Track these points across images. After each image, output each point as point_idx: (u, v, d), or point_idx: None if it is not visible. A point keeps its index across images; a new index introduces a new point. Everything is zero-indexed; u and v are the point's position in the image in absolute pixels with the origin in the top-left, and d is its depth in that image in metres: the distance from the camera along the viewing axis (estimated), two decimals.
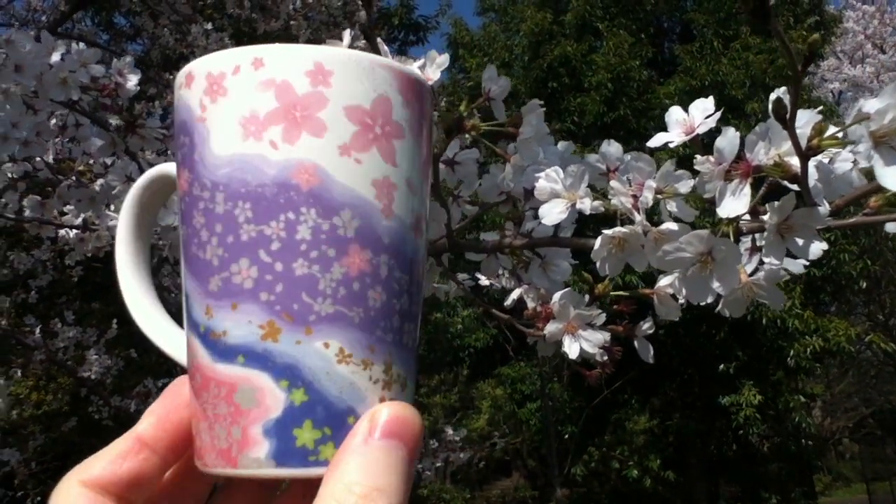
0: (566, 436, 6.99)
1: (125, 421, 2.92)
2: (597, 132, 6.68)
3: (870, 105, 0.38)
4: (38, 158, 1.32)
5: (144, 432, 0.29)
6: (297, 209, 0.28)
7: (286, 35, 2.95)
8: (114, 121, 1.02)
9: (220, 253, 0.28)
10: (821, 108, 0.48)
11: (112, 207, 1.14)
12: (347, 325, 0.28)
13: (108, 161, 1.14)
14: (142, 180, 0.35)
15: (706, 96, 0.53)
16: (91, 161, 1.22)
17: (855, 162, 0.51)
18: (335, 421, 0.27)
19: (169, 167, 0.34)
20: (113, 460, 0.28)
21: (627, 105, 6.83)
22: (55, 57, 0.88)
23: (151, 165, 1.06)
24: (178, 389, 0.31)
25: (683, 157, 0.52)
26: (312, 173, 0.28)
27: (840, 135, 0.44)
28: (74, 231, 1.37)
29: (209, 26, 2.85)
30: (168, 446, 0.30)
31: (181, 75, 0.30)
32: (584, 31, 7.38)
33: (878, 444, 12.06)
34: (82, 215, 1.25)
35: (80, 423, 3.82)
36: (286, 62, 0.28)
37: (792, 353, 5.87)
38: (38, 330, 2.64)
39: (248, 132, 0.28)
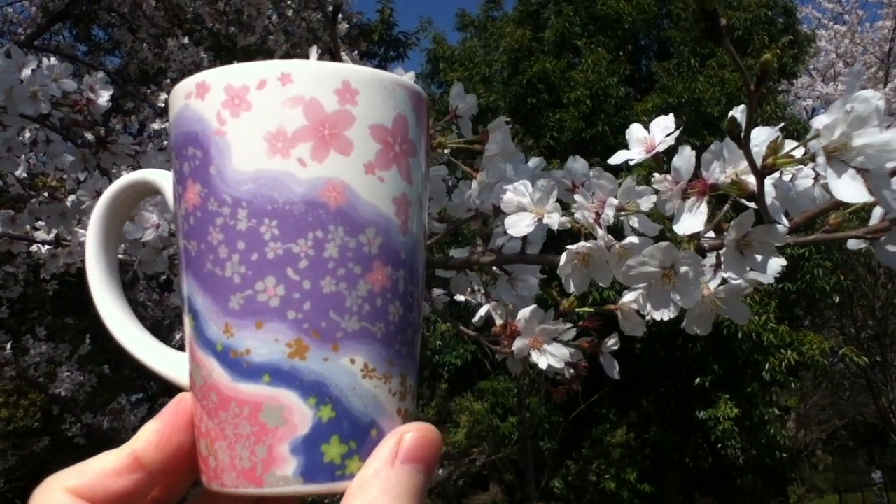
0: (545, 451, 6.98)
1: (98, 438, 2.87)
2: (575, 148, 6.72)
3: (819, 121, 0.39)
4: (8, 174, 1.30)
5: (143, 453, 0.29)
6: (325, 227, 0.28)
7: (263, 49, 2.94)
8: (88, 135, 1.02)
9: (243, 271, 0.28)
10: (782, 124, 0.49)
11: (82, 223, 1.13)
12: (371, 341, 0.28)
13: (82, 177, 1.13)
14: (115, 188, 0.33)
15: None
16: (64, 176, 1.21)
17: (816, 178, 0.52)
18: (360, 435, 0.28)
19: (149, 174, 0.33)
20: (106, 475, 0.28)
21: (605, 121, 6.88)
22: (26, 72, 0.87)
23: None
24: (180, 409, 0.30)
25: (651, 171, 0.53)
26: (340, 191, 0.28)
27: (796, 153, 0.45)
28: (46, 247, 1.35)
29: (186, 40, 2.84)
30: (163, 469, 0.29)
31: (188, 84, 0.29)
32: (562, 48, 7.45)
33: (850, 455, 12.18)
34: (54, 231, 1.23)
35: (51, 441, 3.75)
36: (315, 79, 0.28)
37: (767, 366, 5.91)
38: (9, 345, 2.60)
39: (274, 148, 0.28)
